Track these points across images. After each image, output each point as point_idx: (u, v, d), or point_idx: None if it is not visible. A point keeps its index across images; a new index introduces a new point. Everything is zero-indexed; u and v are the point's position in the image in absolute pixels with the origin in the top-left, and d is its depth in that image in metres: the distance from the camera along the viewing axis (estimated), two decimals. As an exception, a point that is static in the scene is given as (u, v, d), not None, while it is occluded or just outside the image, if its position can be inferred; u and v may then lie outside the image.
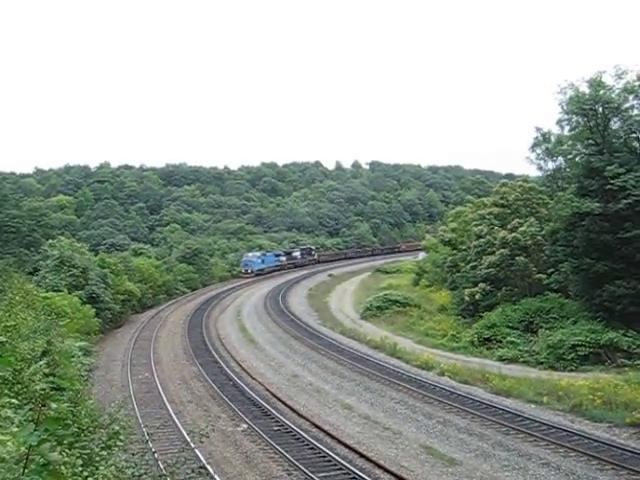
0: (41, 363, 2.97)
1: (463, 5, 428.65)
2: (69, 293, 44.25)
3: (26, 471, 2.95)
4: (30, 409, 3.22)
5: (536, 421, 25.72)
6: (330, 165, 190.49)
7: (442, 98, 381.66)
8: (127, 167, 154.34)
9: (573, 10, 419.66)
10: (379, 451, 22.96)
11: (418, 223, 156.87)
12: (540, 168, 54.74)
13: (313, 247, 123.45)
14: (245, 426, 26.41)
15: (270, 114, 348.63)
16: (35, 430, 2.99)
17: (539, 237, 46.05)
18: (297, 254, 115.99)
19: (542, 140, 52.95)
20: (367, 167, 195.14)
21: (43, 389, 3.00)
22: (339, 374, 35.98)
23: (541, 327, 39.94)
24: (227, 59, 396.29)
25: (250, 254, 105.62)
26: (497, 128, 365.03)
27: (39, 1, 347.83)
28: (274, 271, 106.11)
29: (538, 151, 53.41)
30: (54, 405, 3.01)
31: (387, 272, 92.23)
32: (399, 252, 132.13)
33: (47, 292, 42.11)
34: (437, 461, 21.81)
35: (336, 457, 21.88)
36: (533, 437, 23.79)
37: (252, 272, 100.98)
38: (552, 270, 44.71)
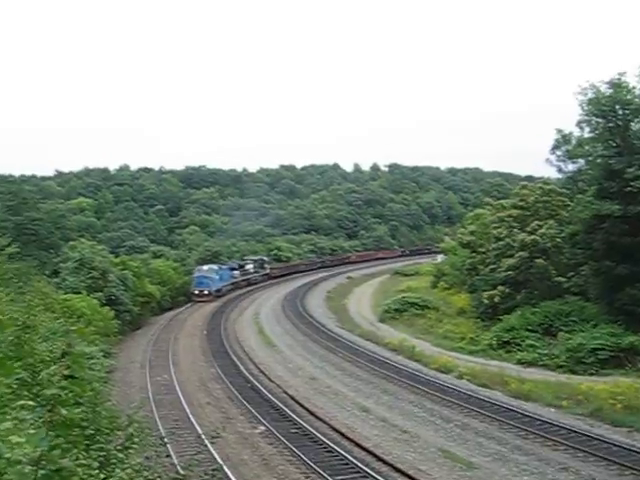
0: (53, 368, 2.93)
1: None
2: (88, 295, 44.49)
3: (37, 476, 2.97)
4: (41, 415, 3.24)
5: (555, 425, 25.50)
6: (348, 167, 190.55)
7: (461, 99, 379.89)
8: (146, 170, 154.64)
9: (602, 10, 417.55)
10: (397, 454, 22.85)
11: (437, 225, 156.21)
12: (560, 170, 54.35)
13: (266, 258, 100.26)
14: (263, 428, 26.41)
15: (289, 117, 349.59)
16: (46, 435, 3.01)
17: (558, 239, 45.70)
18: (250, 267, 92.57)
19: (563, 142, 52.52)
20: (386, 169, 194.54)
21: (54, 394, 2.99)
22: (357, 377, 35.93)
23: (561, 330, 39.63)
24: (247, 61, 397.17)
25: (205, 267, 77.32)
26: (517, 130, 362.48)
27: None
28: (230, 291, 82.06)
29: (559, 153, 52.97)
30: (64, 411, 3.03)
31: (406, 274, 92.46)
32: (349, 263, 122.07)
33: (66, 294, 42.41)
34: (455, 465, 21.69)
35: (353, 460, 21.81)
36: (552, 441, 23.59)
37: (210, 293, 74.46)
38: (572, 273, 44.37)
